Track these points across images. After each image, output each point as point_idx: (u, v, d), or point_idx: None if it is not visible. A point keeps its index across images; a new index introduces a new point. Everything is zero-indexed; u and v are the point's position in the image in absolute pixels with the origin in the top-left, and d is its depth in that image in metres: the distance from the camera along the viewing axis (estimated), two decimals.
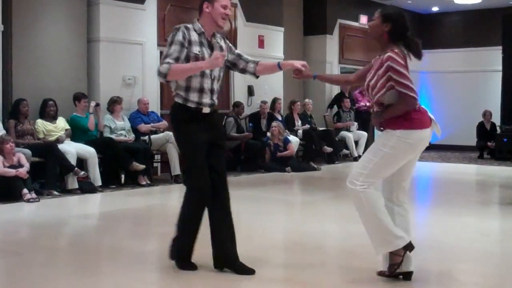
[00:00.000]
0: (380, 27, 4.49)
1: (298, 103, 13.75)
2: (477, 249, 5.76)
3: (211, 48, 4.74)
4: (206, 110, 4.73)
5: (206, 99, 4.72)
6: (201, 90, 4.69)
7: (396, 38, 4.46)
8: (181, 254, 4.81)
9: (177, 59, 4.58)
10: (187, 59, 4.63)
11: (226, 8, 4.72)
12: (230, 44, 4.99)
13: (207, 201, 4.72)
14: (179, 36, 4.61)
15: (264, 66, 5.01)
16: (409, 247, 4.43)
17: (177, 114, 4.77)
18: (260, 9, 13.48)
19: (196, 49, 4.64)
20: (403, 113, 4.47)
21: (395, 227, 4.40)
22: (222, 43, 4.86)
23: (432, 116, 4.57)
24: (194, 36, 4.67)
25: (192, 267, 4.78)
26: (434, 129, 4.57)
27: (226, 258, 4.76)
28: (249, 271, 4.67)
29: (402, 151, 4.41)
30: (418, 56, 4.52)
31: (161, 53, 11.33)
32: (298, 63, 4.87)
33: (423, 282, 4.73)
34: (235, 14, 12.82)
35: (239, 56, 4.98)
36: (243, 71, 4.99)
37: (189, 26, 4.71)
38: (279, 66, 4.94)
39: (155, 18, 11.31)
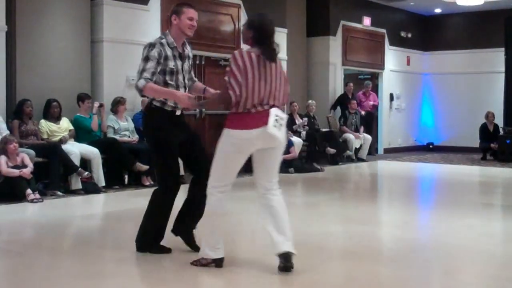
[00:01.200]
0: (247, 33, 4.78)
1: (295, 103, 13.73)
2: (480, 250, 5.76)
3: (182, 59, 5.21)
4: (178, 112, 5.16)
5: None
6: (179, 89, 5.09)
7: (257, 43, 4.71)
8: (151, 236, 5.30)
9: (153, 74, 4.99)
10: (164, 73, 5.06)
11: (193, 20, 5.14)
12: (191, 55, 5.41)
13: (171, 198, 5.20)
14: (155, 53, 5.03)
15: (195, 87, 5.46)
16: (219, 262, 4.80)
17: (153, 117, 5.13)
18: (263, 10, 13.36)
19: (171, 64, 5.09)
20: (221, 105, 4.84)
21: (220, 240, 4.80)
22: (189, 52, 5.34)
23: (273, 119, 4.62)
24: (169, 51, 5.10)
25: (165, 249, 5.27)
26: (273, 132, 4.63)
27: (184, 231, 5.35)
28: (195, 248, 5.16)
29: (229, 150, 4.69)
30: (268, 58, 4.69)
31: None
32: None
33: (426, 282, 4.74)
34: (239, 15, 12.83)
35: (190, 69, 5.37)
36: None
37: (163, 41, 5.13)
38: (204, 91, 5.43)
39: (158, 18, 11.33)
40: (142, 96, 5.14)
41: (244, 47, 4.84)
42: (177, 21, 5.12)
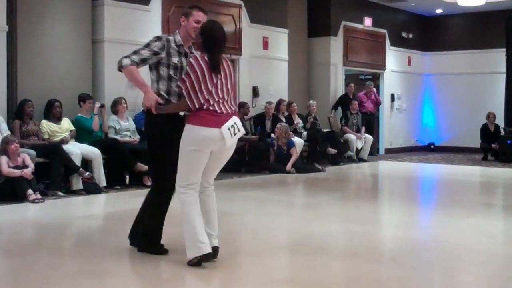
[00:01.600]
0: (198, 38, 4.97)
1: (294, 104, 13.73)
2: (481, 250, 5.76)
3: (187, 58, 5.18)
4: (182, 112, 5.14)
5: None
6: (179, 95, 5.05)
7: (206, 49, 4.88)
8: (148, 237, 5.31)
9: (142, 62, 5.09)
10: (168, 67, 5.12)
11: (199, 23, 5.19)
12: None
13: (167, 197, 5.21)
14: (157, 46, 5.12)
15: None
16: (206, 257, 4.80)
17: (154, 117, 5.10)
18: (265, 11, 13.49)
19: (175, 59, 5.14)
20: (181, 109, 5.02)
21: (203, 234, 4.80)
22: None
23: (229, 123, 4.79)
24: (173, 48, 5.16)
25: (163, 250, 5.26)
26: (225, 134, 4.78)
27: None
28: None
29: (187, 145, 4.81)
30: (213, 68, 4.83)
31: None
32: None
33: (427, 282, 4.74)
34: (240, 16, 12.84)
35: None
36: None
37: (170, 38, 5.22)
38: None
39: (159, 19, 11.34)
40: (119, 71, 5.16)
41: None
42: (185, 23, 5.21)
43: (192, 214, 4.80)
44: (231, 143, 4.84)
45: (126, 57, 5.08)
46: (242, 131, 4.92)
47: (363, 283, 4.60)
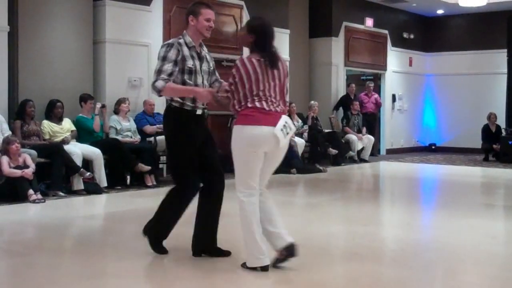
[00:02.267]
0: (247, 37, 4.75)
1: (293, 104, 13.72)
2: (482, 250, 5.76)
3: (201, 59, 5.13)
4: (199, 111, 5.08)
5: (200, 102, 5.05)
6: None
7: (260, 47, 4.70)
8: (157, 235, 5.27)
9: (170, 75, 4.93)
10: (182, 72, 4.99)
11: (210, 21, 5.08)
12: (210, 56, 5.33)
13: (189, 200, 5.11)
14: (173, 54, 4.97)
15: (223, 88, 5.28)
16: (266, 268, 4.68)
17: (173, 117, 5.06)
18: (266, 11, 13.47)
19: (190, 63, 5.00)
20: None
21: (262, 246, 4.66)
22: (207, 53, 5.26)
23: (281, 122, 4.64)
24: (186, 51, 5.02)
25: (163, 250, 5.24)
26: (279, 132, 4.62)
27: (206, 244, 5.18)
28: (225, 253, 5.16)
29: (241, 147, 4.65)
30: (271, 66, 4.68)
31: None
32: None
33: (428, 283, 4.73)
34: (241, 16, 12.84)
35: (214, 70, 5.32)
36: (210, 85, 5.26)
37: (181, 41, 5.05)
38: None
39: (161, 19, 11.34)
40: (160, 96, 5.06)
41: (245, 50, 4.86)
42: (194, 22, 5.05)
43: (254, 226, 4.64)
44: (284, 144, 4.69)
45: (155, 81, 4.92)
46: (294, 129, 4.76)
47: (364, 283, 4.59)
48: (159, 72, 4.93)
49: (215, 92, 4.94)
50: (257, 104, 4.60)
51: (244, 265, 4.76)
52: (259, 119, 4.58)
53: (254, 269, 4.66)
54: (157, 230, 5.27)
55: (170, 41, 5.10)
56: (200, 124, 5.13)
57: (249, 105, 4.61)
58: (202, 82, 5.08)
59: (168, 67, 4.93)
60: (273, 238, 4.76)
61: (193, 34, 5.07)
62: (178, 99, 5.00)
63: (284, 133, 4.62)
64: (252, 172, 4.67)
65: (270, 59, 4.68)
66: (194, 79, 5.03)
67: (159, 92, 4.92)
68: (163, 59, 4.97)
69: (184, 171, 5.05)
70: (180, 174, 5.10)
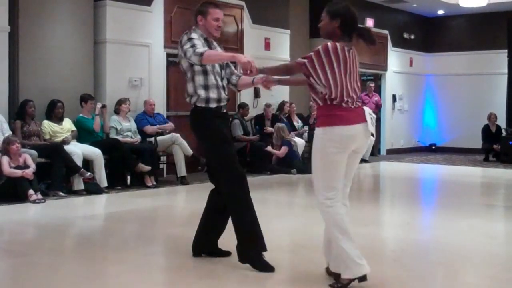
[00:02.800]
0: (331, 24, 4.41)
1: (294, 105, 13.73)
2: (483, 251, 5.76)
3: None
4: (224, 109, 5.07)
5: (223, 94, 5.02)
6: (218, 87, 4.97)
7: (347, 31, 4.37)
8: (252, 253, 4.82)
9: (204, 47, 4.83)
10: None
11: (218, 20, 5.02)
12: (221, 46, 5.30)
13: (247, 188, 4.87)
14: (195, 35, 4.90)
15: (243, 81, 5.27)
16: (364, 278, 4.33)
17: (200, 116, 4.96)
18: (267, 12, 13.49)
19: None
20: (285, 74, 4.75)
21: (357, 252, 4.31)
22: (217, 47, 5.18)
23: (368, 116, 4.35)
24: (203, 40, 4.97)
25: (270, 266, 4.78)
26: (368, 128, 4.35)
27: (208, 245, 5.15)
28: (225, 254, 5.11)
29: (331, 149, 4.27)
30: (372, 42, 4.42)
31: (167, 55, 11.39)
32: (262, 80, 5.08)
33: (428, 283, 4.73)
34: (242, 16, 12.84)
35: (229, 64, 5.21)
36: (227, 80, 5.20)
37: (198, 31, 4.99)
38: (253, 82, 5.21)
39: (161, 20, 11.34)
40: (201, 64, 4.79)
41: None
42: (203, 22, 5.00)
43: (346, 234, 4.30)
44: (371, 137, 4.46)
45: (194, 53, 4.73)
46: (374, 117, 4.50)
47: (364, 283, 4.59)
48: (192, 47, 4.78)
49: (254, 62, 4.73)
50: (344, 104, 4.26)
51: (336, 284, 4.37)
52: (348, 118, 4.24)
53: (347, 284, 4.31)
54: (252, 244, 4.83)
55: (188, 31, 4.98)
56: (226, 122, 5.18)
57: (335, 102, 4.27)
58: (216, 81, 4.98)
59: (197, 42, 4.82)
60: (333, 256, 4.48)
61: (203, 32, 5.02)
62: (201, 95, 4.91)
63: (372, 126, 4.37)
64: (339, 173, 4.34)
65: (370, 38, 4.38)
66: (212, 68, 4.95)
67: (201, 56, 4.70)
68: (189, 40, 4.85)
69: (233, 165, 4.87)
70: (230, 169, 4.85)
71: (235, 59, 4.77)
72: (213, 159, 4.97)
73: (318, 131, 4.34)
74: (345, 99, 4.27)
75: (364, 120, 4.32)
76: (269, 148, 12.48)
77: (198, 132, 5.03)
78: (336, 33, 4.39)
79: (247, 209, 4.83)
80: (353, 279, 4.31)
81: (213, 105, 4.95)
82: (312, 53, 4.35)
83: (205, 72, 4.93)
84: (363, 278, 4.31)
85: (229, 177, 4.85)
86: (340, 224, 4.32)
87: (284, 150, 12.14)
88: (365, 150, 4.66)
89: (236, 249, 4.87)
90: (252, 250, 4.80)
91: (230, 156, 4.90)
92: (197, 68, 4.89)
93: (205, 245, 5.17)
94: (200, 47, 4.79)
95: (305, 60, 4.36)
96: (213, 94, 4.94)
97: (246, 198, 4.83)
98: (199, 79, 4.93)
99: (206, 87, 4.93)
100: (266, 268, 4.73)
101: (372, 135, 4.40)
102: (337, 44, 4.31)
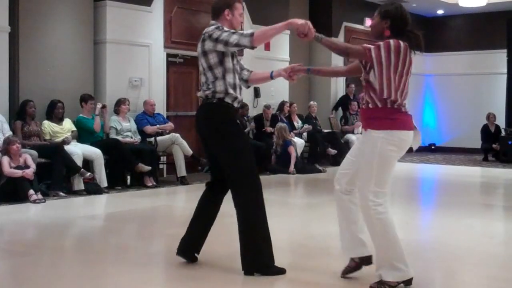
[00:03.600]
0: (380, 24, 4.37)
1: (294, 105, 13.74)
2: (481, 251, 5.77)
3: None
4: (238, 106, 4.85)
5: (240, 94, 4.81)
6: (235, 86, 4.75)
7: (396, 33, 4.32)
8: (270, 261, 4.68)
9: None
10: (232, 57, 4.72)
11: (242, 16, 4.89)
12: None
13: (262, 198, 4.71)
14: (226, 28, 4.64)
15: (257, 76, 5.09)
16: (409, 282, 4.31)
17: (220, 113, 4.71)
18: (266, 11, 13.49)
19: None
20: (340, 52, 4.52)
21: (404, 255, 4.28)
22: None
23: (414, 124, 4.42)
24: None
25: (281, 270, 4.70)
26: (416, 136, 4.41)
27: (195, 249, 4.97)
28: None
29: (392, 153, 4.31)
30: (419, 48, 4.40)
31: (167, 55, 11.40)
32: (287, 71, 4.92)
33: (427, 283, 4.74)
34: (241, 16, 12.82)
35: (238, 60, 5.01)
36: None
37: (225, 28, 4.70)
38: (271, 76, 5.03)
39: (161, 20, 11.35)
40: (253, 48, 4.54)
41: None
42: (230, 17, 4.77)
43: (396, 235, 4.26)
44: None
45: (243, 35, 4.49)
46: None
47: (364, 283, 4.60)
48: (234, 32, 4.54)
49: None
50: (402, 108, 4.28)
51: (380, 284, 4.33)
52: (407, 123, 4.32)
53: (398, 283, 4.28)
54: (264, 253, 4.67)
55: (217, 24, 4.71)
56: (238, 118, 4.99)
57: (395, 105, 4.27)
58: (233, 80, 4.75)
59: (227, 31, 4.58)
60: (355, 243, 4.52)
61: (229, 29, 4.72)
62: (231, 98, 4.68)
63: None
64: (390, 175, 4.35)
65: (418, 41, 4.37)
66: (233, 66, 4.74)
67: (251, 36, 4.44)
68: (222, 28, 4.62)
69: (255, 173, 4.72)
70: (251, 177, 4.66)
71: (290, 25, 4.44)
72: (234, 162, 4.66)
73: (378, 133, 4.26)
74: (404, 102, 4.27)
75: (415, 127, 4.38)
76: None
77: (220, 128, 4.70)
78: (385, 34, 4.35)
79: (264, 220, 4.68)
80: (400, 282, 4.29)
81: (236, 105, 4.78)
82: (380, 43, 4.21)
83: (234, 71, 4.72)
84: (408, 283, 4.31)
85: (249, 185, 4.64)
86: (394, 231, 4.26)
87: (291, 149, 12.13)
88: None
89: (242, 260, 4.68)
90: (262, 261, 4.65)
91: (253, 163, 4.73)
92: (228, 65, 4.68)
93: (195, 246, 5.01)
94: (240, 31, 4.52)
95: (372, 47, 4.22)
96: (239, 95, 4.77)
97: (263, 209, 4.70)
98: (230, 78, 4.70)
99: (235, 87, 4.73)
100: (278, 272, 4.66)
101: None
102: (401, 42, 4.24)
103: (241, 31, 4.55)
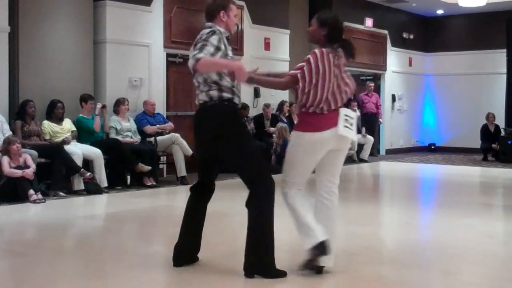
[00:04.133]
0: (318, 31, 4.71)
1: (287, 104, 13.73)
2: (481, 250, 5.77)
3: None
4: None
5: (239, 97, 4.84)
6: (236, 86, 4.76)
7: (332, 41, 4.68)
8: (273, 261, 4.68)
9: (213, 56, 4.52)
10: (225, 56, 4.66)
11: (236, 16, 4.90)
12: None
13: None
14: (216, 40, 4.56)
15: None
16: (319, 247, 4.61)
17: (231, 114, 4.69)
18: (266, 12, 13.50)
19: (230, 53, 4.69)
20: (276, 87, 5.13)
21: (316, 226, 4.67)
22: None
23: (342, 118, 4.63)
24: (225, 40, 4.69)
25: (282, 273, 4.69)
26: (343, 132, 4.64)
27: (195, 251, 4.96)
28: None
29: (300, 151, 4.68)
30: (351, 56, 4.76)
31: (167, 55, 11.42)
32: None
33: (427, 283, 4.75)
34: (242, 17, 12.84)
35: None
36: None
37: (221, 30, 4.70)
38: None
39: (161, 20, 11.35)
40: (194, 70, 4.53)
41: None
42: (225, 18, 4.75)
43: (301, 216, 4.79)
44: (353, 136, 4.72)
45: (194, 56, 4.42)
46: (355, 114, 4.74)
47: (364, 283, 4.61)
48: (200, 49, 4.46)
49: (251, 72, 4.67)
50: (317, 110, 4.60)
51: (303, 265, 4.71)
52: (318, 124, 4.60)
53: (313, 260, 4.63)
54: (269, 253, 4.64)
55: (211, 28, 4.66)
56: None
57: (311, 110, 4.61)
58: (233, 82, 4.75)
59: (210, 48, 4.48)
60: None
61: (225, 31, 4.74)
62: (228, 95, 4.64)
63: (348, 127, 4.63)
64: (299, 169, 4.77)
65: (349, 50, 4.73)
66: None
67: (195, 64, 4.40)
68: (204, 40, 4.53)
69: (269, 174, 4.74)
70: (267, 178, 4.68)
71: (230, 66, 4.56)
72: (252, 163, 4.69)
73: (293, 133, 4.81)
74: (321, 105, 4.58)
75: (335, 125, 4.59)
76: None
77: (235, 129, 4.66)
78: (321, 40, 4.70)
79: (272, 222, 4.68)
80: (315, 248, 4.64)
81: (236, 100, 4.76)
82: (304, 64, 4.61)
83: (230, 74, 4.66)
84: (321, 247, 4.62)
85: (265, 186, 4.64)
86: (295, 213, 4.78)
87: None
88: (347, 147, 4.86)
89: (247, 257, 4.62)
90: (268, 260, 4.62)
91: (265, 164, 4.79)
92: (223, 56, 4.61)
93: (192, 251, 4.97)
94: (206, 53, 4.44)
95: (298, 73, 4.64)
96: (235, 98, 4.76)
97: (272, 211, 4.71)
98: (226, 81, 4.67)
99: (232, 92, 4.71)
100: (279, 274, 4.64)
101: (349, 136, 4.65)
102: (324, 50, 4.60)
103: (203, 52, 4.43)
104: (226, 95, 4.66)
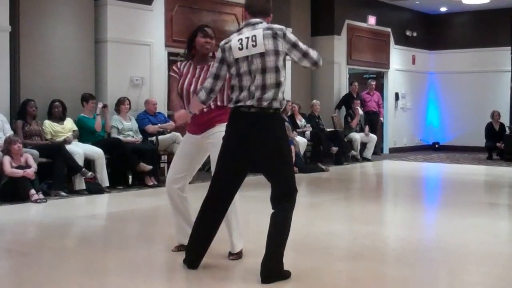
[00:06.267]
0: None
1: (295, 104, 13.69)
2: (486, 250, 5.73)
3: None
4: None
5: None
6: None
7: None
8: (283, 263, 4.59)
9: (216, 77, 4.83)
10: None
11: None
12: None
13: None
14: (217, 57, 4.83)
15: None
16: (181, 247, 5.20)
17: (282, 125, 4.70)
18: None
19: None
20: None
21: (184, 224, 5.35)
22: None
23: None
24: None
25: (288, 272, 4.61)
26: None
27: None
28: None
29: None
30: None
31: (169, 53, 11.39)
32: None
33: (431, 282, 4.71)
34: (243, 15, 12.79)
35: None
36: None
37: (226, 46, 4.85)
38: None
39: (162, 19, 11.33)
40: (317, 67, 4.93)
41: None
42: (270, 20, 4.97)
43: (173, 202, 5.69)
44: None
45: (319, 55, 4.97)
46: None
47: (367, 283, 4.57)
48: (309, 48, 4.91)
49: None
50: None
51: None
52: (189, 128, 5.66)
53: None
54: (282, 260, 4.55)
55: (222, 42, 4.83)
56: None
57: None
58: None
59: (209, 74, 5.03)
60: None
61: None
62: (278, 104, 4.58)
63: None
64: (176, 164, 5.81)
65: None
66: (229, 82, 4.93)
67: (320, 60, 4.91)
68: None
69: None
70: (295, 184, 4.72)
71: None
72: (291, 172, 4.75)
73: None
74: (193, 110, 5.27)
75: (202, 130, 5.53)
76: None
77: (283, 138, 4.67)
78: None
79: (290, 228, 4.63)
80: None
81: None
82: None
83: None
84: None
85: (295, 198, 4.71)
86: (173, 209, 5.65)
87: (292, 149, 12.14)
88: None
89: (266, 266, 4.47)
90: (281, 266, 4.54)
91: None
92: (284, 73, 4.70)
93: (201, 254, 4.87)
94: (206, 84, 4.91)
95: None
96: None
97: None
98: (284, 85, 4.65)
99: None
100: (286, 275, 4.55)
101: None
102: (178, 63, 5.48)
103: (313, 53, 5.03)
104: (277, 104, 4.60)
